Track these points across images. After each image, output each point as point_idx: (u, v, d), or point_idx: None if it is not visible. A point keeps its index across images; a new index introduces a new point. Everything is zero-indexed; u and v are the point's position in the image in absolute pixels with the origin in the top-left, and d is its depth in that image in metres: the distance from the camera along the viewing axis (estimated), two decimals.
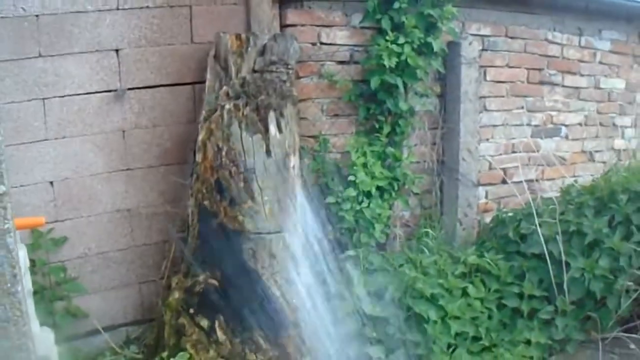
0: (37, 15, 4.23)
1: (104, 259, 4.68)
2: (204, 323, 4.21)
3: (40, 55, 4.28)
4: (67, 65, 4.38)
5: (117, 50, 4.53)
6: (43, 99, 4.33)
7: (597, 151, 7.26)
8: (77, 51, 4.40)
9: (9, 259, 2.17)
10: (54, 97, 4.37)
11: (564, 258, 5.10)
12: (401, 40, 5.05)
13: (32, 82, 4.27)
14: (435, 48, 5.26)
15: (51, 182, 4.44)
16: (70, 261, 4.53)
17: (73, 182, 4.51)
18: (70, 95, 4.42)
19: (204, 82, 4.52)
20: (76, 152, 4.49)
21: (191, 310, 4.23)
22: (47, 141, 4.38)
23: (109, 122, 4.57)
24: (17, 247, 2.22)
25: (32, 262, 4.05)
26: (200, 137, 4.27)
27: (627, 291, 4.92)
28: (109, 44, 4.51)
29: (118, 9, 4.50)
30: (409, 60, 5.06)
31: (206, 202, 4.22)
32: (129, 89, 4.58)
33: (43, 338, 2.56)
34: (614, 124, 7.41)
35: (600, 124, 7.21)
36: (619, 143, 7.51)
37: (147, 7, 4.60)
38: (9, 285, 2.18)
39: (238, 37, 4.52)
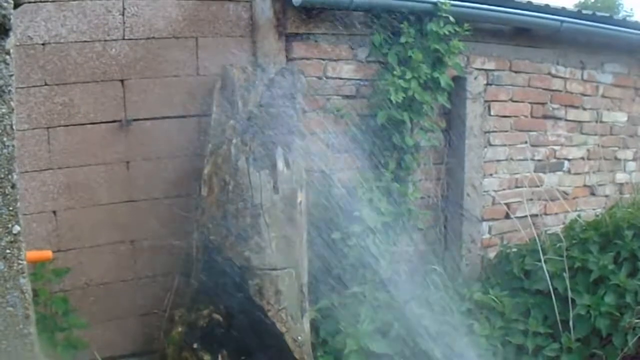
0: (43, 44, 4.25)
1: (106, 290, 4.64)
2: (207, 358, 4.16)
3: (45, 84, 4.28)
4: (72, 94, 4.37)
5: (122, 81, 4.53)
6: (47, 127, 4.32)
7: (599, 185, 7.25)
8: (82, 81, 4.40)
9: (22, 300, 2.14)
10: (59, 126, 4.36)
11: (569, 294, 5.07)
12: (408, 75, 5.08)
13: (37, 110, 4.27)
14: (442, 83, 5.29)
15: (54, 212, 4.41)
16: (72, 291, 4.48)
17: (76, 212, 4.48)
18: (74, 125, 4.41)
19: (209, 114, 4.51)
20: (80, 182, 4.46)
21: (194, 345, 4.18)
22: (51, 170, 4.36)
23: (114, 152, 4.56)
24: (29, 287, 2.19)
25: (35, 292, 4.01)
26: (206, 171, 4.24)
27: (634, 328, 4.90)
28: (114, 74, 4.50)
29: (124, 39, 4.52)
30: (415, 96, 5.08)
31: (212, 237, 4.18)
32: (134, 120, 4.56)
33: None
34: (616, 158, 7.42)
35: (603, 158, 7.19)
36: (621, 176, 7.52)
37: (153, 37, 4.61)
38: (21, 326, 2.14)
39: (245, 70, 4.53)
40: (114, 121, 4.53)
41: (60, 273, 4.34)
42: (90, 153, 4.48)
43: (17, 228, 2.11)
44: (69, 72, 4.36)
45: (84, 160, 4.47)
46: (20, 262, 2.11)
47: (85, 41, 4.39)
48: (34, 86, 4.24)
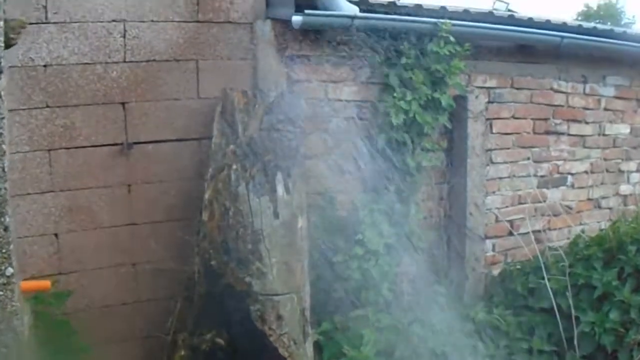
0: (44, 66, 4.26)
1: (108, 313, 4.62)
2: None
3: (47, 106, 4.29)
4: (74, 116, 4.38)
5: (123, 104, 4.53)
6: (49, 150, 4.33)
7: (603, 198, 7.21)
8: (83, 103, 4.41)
9: (16, 342, 2.14)
10: (60, 148, 4.37)
11: (573, 312, 5.06)
12: (408, 96, 5.07)
13: (38, 132, 4.28)
14: (443, 103, 5.26)
15: (56, 234, 4.41)
16: (73, 314, 4.45)
17: (78, 234, 4.48)
18: (76, 148, 4.42)
19: (210, 137, 4.48)
20: (81, 204, 4.46)
21: None
22: (53, 193, 4.37)
23: (115, 175, 4.56)
24: (24, 328, 2.20)
25: (35, 315, 4.00)
26: (206, 196, 4.23)
27: (639, 344, 4.87)
28: (115, 96, 4.51)
29: (125, 61, 4.52)
30: (416, 117, 5.06)
31: (213, 262, 4.16)
32: (135, 142, 4.57)
33: None
34: (619, 170, 7.37)
35: (606, 171, 7.17)
36: (624, 188, 7.47)
37: (154, 60, 4.61)
38: None
39: (245, 94, 4.49)
40: (115, 144, 4.53)
41: (61, 296, 4.32)
42: (92, 176, 4.48)
43: (10, 270, 2.11)
44: (70, 94, 4.37)
45: (86, 183, 4.47)
46: (14, 304, 2.12)
47: (86, 63, 4.40)
48: (35, 108, 4.25)
